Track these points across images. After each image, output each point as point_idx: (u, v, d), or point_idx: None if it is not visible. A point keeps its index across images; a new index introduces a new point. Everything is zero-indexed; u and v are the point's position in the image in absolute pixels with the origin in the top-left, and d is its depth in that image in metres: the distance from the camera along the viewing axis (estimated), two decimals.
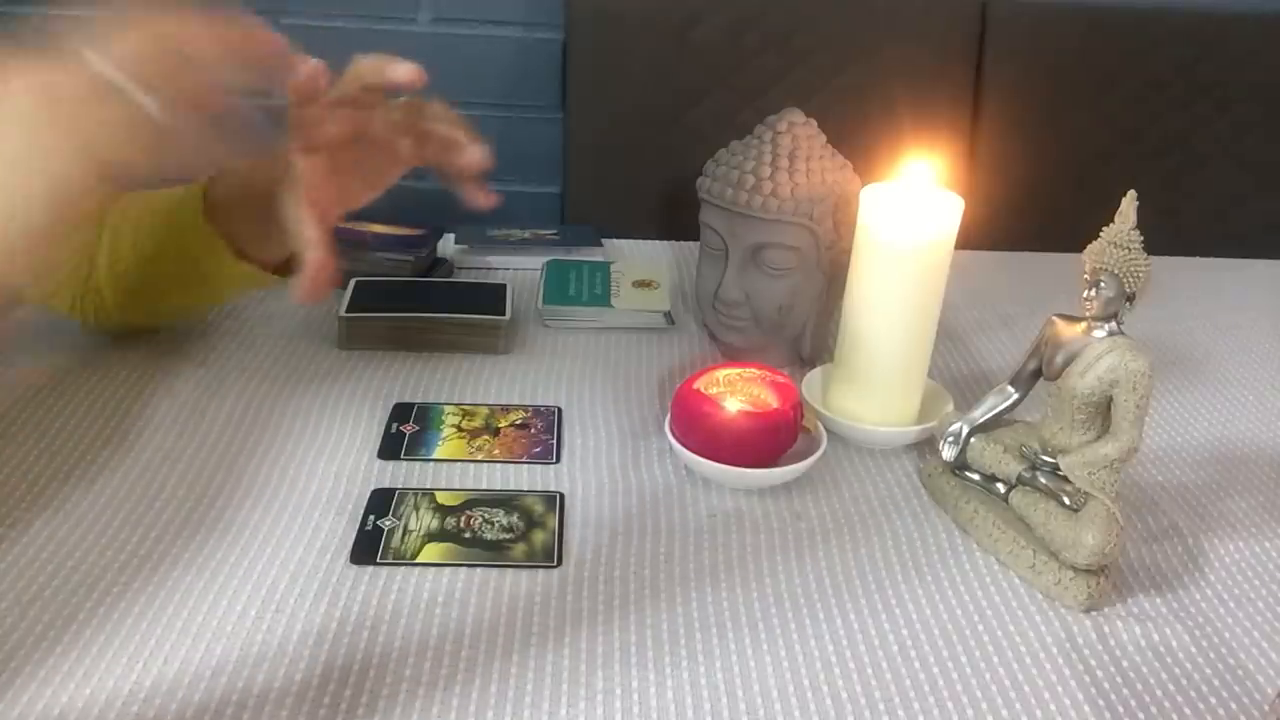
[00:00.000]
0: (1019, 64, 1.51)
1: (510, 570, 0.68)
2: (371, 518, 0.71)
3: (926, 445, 0.83)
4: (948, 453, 0.76)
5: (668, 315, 1.00)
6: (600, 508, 0.75)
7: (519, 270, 1.09)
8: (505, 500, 0.74)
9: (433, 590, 0.66)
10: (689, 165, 0.94)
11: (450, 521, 0.72)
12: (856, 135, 1.07)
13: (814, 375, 0.88)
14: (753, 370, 0.79)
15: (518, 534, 0.71)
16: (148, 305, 0.87)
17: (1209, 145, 1.56)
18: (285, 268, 0.81)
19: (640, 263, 1.10)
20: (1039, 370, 0.74)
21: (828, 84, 1.47)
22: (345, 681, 0.59)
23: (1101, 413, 0.69)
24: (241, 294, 0.94)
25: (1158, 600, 0.69)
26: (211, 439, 0.79)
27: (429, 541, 0.70)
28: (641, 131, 1.48)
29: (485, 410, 0.85)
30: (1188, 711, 0.61)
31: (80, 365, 0.87)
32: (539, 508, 0.74)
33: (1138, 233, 0.67)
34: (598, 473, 0.78)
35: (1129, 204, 0.68)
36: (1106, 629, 0.66)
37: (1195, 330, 1.07)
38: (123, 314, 0.87)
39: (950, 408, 0.83)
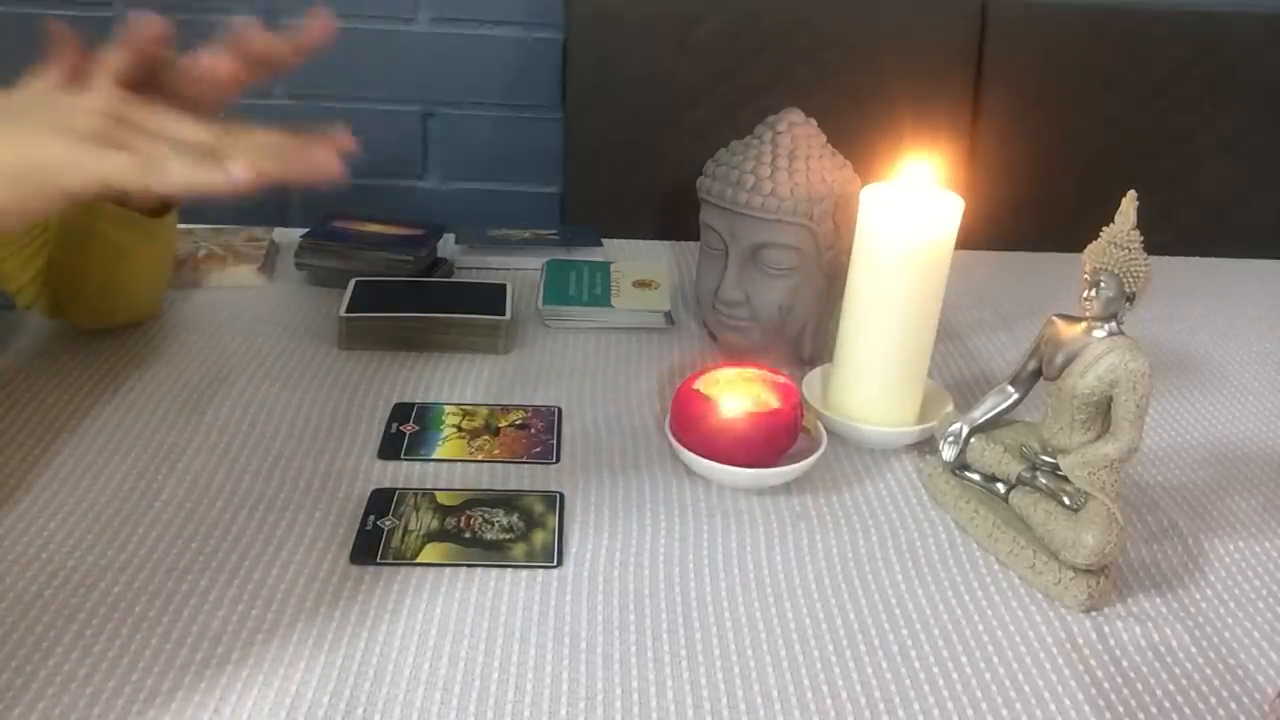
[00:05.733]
0: (1019, 64, 1.51)
1: (510, 570, 0.68)
2: (371, 518, 0.71)
3: (926, 445, 0.83)
4: (948, 453, 0.76)
5: (668, 315, 1.00)
6: (600, 508, 0.75)
7: (519, 270, 1.09)
8: (505, 500, 0.74)
9: (433, 590, 0.66)
10: (689, 165, 0.94)
11: (450, 521, 0.72)
12: (856, 135, 1.07)
13: (814, 375, 0.88)
14: (753, 370, 0.79)
15: (518, 534, 0.71)
16: (77, 290, 0.88)
17: (1209, 145, 1.55)
18: (158, 210, 0.85)
19: (640, 263, 1.10)
20: (1039, 370, 0.74)
21: (828, 84, 1.47)
22: (345, 681, 0.59)
23: (1101, 413, 0.69)
24: (136, 252, 0.88)
25: (1158, 600, 0.69)
26: (212, 439, 0.79)
27: (429, 541, 0.70)
28: (641, 131, 1.48)
29: (485, 410, 0.85)
30: (1188, 711, 0.61)
31: (79, 364, 0.87)
32: (539, 508, 0.74)
33: (1138, 233, 0.67)
34: (598, 473, 0.78)
35: (1129, 204, 0.68)
36: (1106, 629, 0.66)
37: (1195, 330, 1.07)
38: (70, 305, 0.89)
39: (950, 408, 0.83)
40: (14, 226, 0.57)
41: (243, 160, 0.56)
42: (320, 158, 0.60)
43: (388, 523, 0.71)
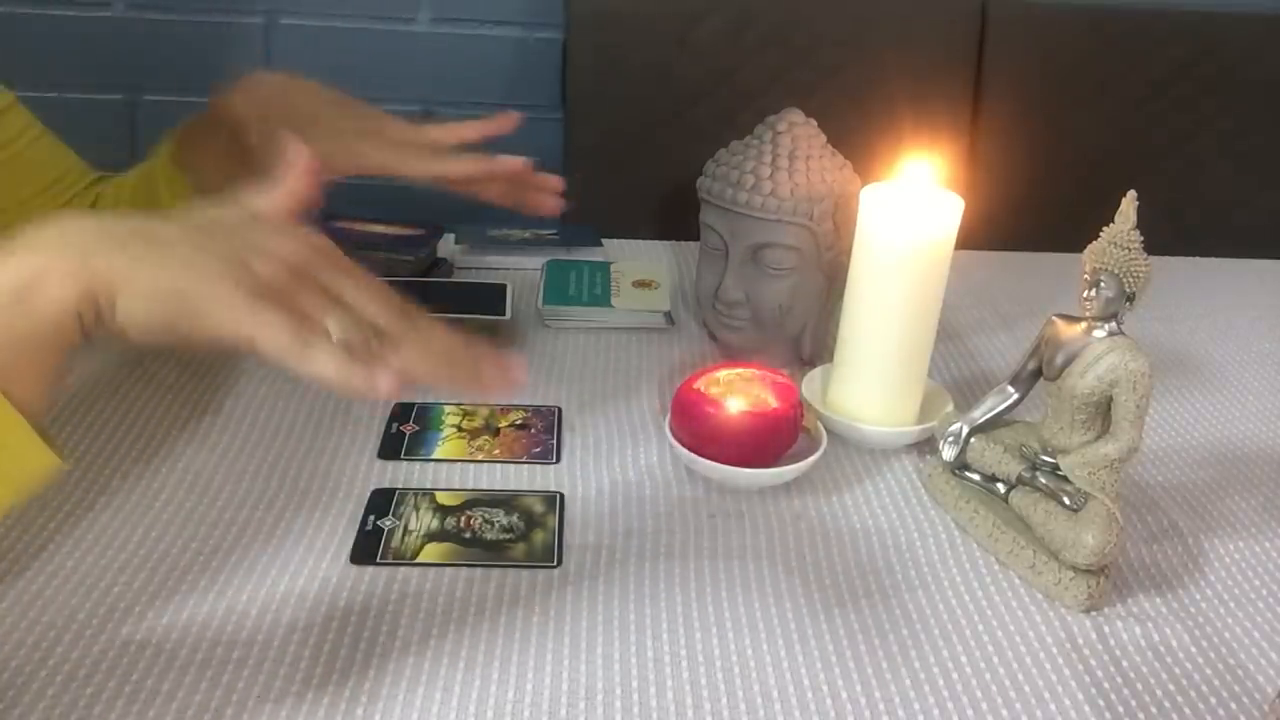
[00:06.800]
0: (1019, 64, 1.51)
1: (510, 570, 0.68)
2: (371, 518, 0.71)
3: (926, 445, 0.83)
4: (948, 453, 0.76)
5: (668, 315, 1.00)
6: (600, 508, 0.75)
7: (519, 270, 1.09)
8: (505, 500, 0.74)
9: (433, 590, 0.66)
10: (689, 165, 0.94)
11: (450, 521, 0.72)
12: (856, 135, 1.07)
13: (814, 375, 0.88)
14: (753, 370, 0.79)
15: (518, 534, 0.71)
16: None
17: (1210, 145, 1.56)
18: None
19: (640, 263, 1.10)
20: (1039, 370, 0.74)
21: (828, 84, 1.47)
22: (345, 681, 0.59)
23: (1101, 413, 0.69)
24: None
25: (1158, 600, 0.69)
26: (211, 439, 0.79)
27: (429, 542, 0.70)
28: (641, 131, 1.48)
29: (485, 410, 0.85)
30: (1188, 711, 0.61)
31: (79, 363, 0.87)
32: (539, 508, 0.74)
33: (1138, 233, 0.67)
34: (598, 473, 0.78)
35: (1129, 204, 0.68)
36: (1106, 629, 0.66)
37: (1195, 330, 1.07)
38: None
39: (950, 408, 0.83)
40: (142, 342, 0.51)
41: (395, 371, 0.51)
42: (490, 380, 0.56)
43: (388, 523, 0.71)
